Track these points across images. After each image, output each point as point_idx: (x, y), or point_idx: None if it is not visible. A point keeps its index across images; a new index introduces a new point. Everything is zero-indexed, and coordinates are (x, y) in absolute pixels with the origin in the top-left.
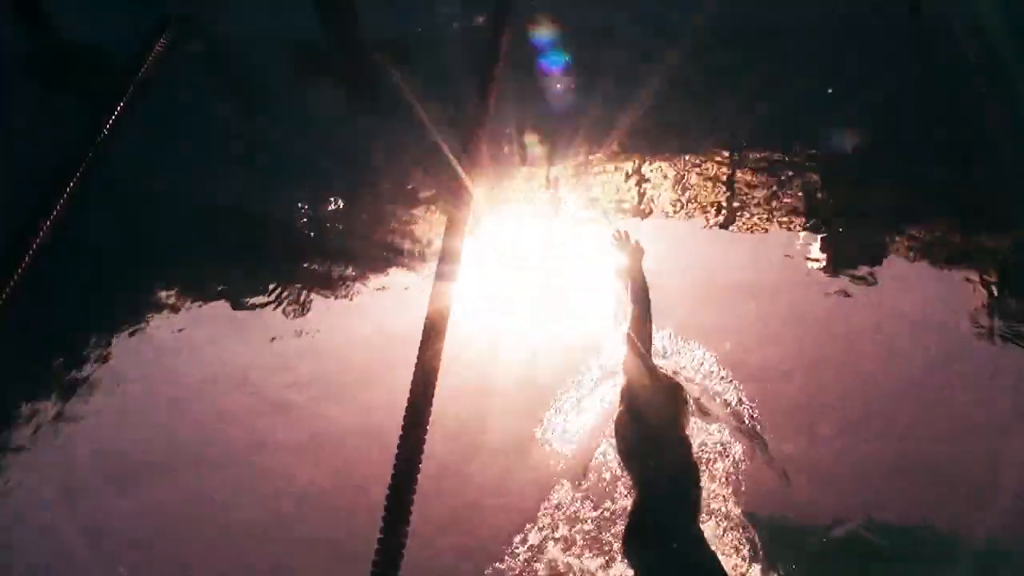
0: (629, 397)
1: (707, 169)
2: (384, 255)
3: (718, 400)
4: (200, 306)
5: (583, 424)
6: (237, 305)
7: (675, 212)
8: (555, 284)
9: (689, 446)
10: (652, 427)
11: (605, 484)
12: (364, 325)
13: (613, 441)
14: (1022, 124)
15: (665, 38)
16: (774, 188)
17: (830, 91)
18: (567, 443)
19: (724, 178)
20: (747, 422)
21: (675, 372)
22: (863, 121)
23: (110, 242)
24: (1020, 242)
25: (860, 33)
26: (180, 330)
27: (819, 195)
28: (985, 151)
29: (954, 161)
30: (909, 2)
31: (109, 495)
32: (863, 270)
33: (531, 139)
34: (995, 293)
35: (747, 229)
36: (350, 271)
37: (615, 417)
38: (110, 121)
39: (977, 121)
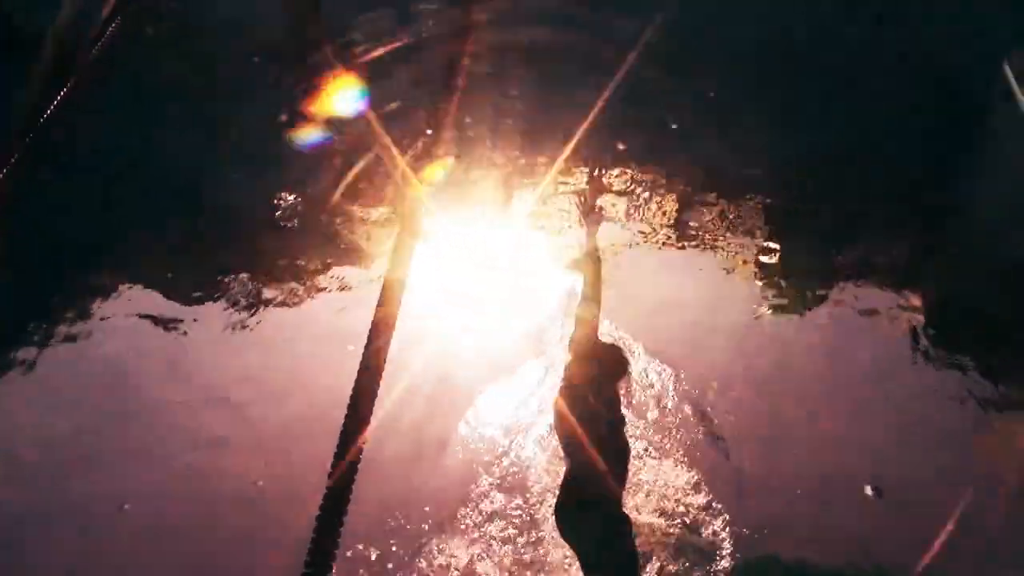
0: (572, 369)
1: (662, 182)
2: (335, 253)
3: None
4: (141, 293)
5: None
6: (180, 295)
7: (628, 220)
8: (504, 283)
9: (624, 423)
10: (592, 398)
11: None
12: (309, 322)
13: (550, 423)
14: (974, 153)
15: (624, 52)
16: (726, 204)
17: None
18: (504, 433)
19: (678, 192)
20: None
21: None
22: (816, 143)
23: (49, 224)
24: (959, 264)
25: (822, 56)
26: (113, 316)
27: (770, 213)
28: (934, 177)
29: (903, 185)
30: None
31: (31, 486)
32: (804, 286)
33: (489, 144)
34: (928, 315)
35: (698, 243)
36: (298, 268)
37: (556, 393)
38: (56, 101)
39: (929, 148)
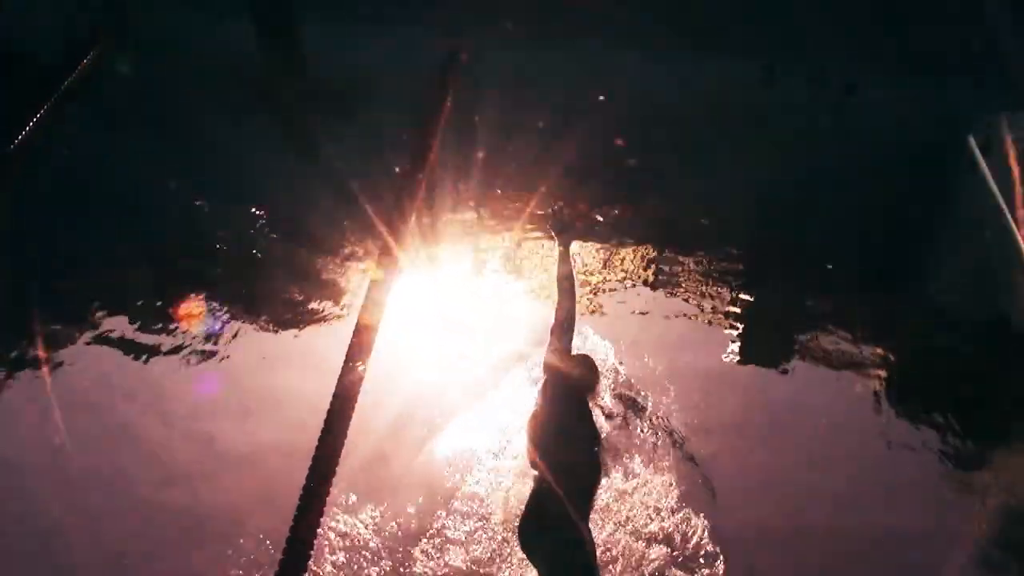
0: (546, 386)
1: (635, 247)
2: (310, 285)
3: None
4: (111, 320)
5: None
6: (152, 323)
7: (603, 281)
8: (481, 312)
9: (596, 440)
10: (563, 414)
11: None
12: (282, 354)
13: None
14: (942, 217)
15: (600, 119)
16: (697, 268)
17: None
18: (477, 454)
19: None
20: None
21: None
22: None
23: (21, 246)
24: (930, 321)
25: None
26: (82, 343)
27: (742, 265)
28: (904, 239)
29: (875, 247)
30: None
31: None
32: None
33: (466, 198)
34: (876, 389)
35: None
36: (273, 298)
37: (530, 411)
38: (29, 126)
39: (899, 213)
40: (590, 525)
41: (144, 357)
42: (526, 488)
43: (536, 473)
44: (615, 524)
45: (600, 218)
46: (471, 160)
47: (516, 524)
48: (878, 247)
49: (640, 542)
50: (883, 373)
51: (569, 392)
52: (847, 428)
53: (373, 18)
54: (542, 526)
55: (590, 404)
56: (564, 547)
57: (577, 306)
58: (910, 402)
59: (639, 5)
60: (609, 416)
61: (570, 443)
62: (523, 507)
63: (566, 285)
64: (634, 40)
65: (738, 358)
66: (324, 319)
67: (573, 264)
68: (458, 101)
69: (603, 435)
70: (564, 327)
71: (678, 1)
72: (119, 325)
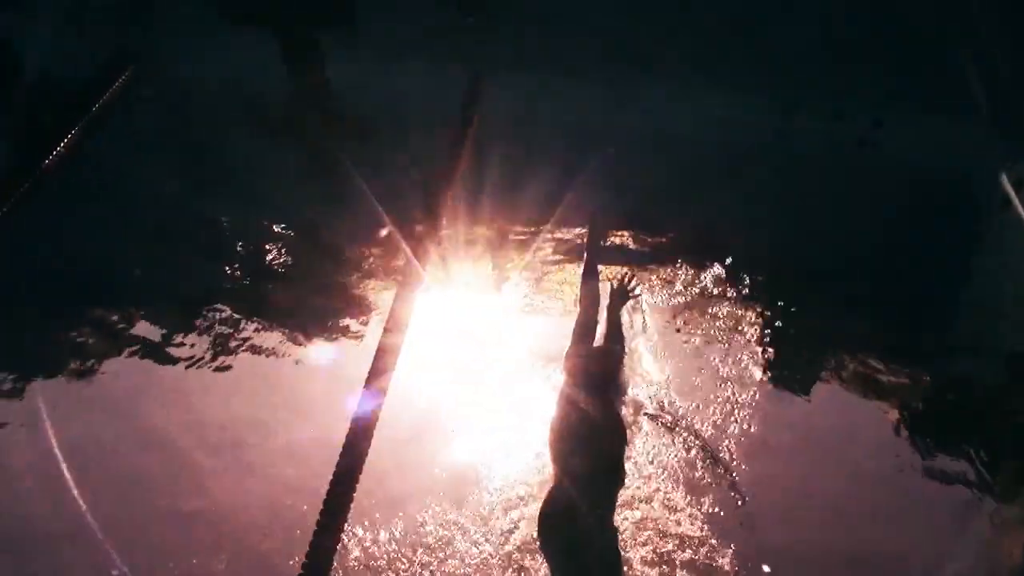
0: (568, 383)
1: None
2: (335, 301)
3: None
4: (136, 333)
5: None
6: (178, 336)
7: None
8: (504, 322)
9: (618, 433)
10: (585, 405)
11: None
12: (306, 371)
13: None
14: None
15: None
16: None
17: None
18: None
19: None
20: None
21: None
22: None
23: (51, 263)
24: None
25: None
26: (108, 358)
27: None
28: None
29: (908, 279)
30: (857, 136)
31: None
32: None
33: (488, 221)
34: (904, 415)
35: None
36: (298, 316)
37: (554, 406)
38: (53, 154)
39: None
40: (612, 533)
41: (169, 367)
42: (547, 499)
43: (557, 483)
44: (639, 546)
45: (628, 241)
46: (495, 180)
47: (537, 542)
48: (909, 278)
49: (664, 566)
50: (911, 401)
51: (589, 392)
52: (874, 455)
53: (399, 49)
54: (563, 537)
55: (612, 406)
56: (582, 540)
57: (598, 316)
58: (941, 431)
59: (656, 40)
60: (636, 436)
61: (591, 448)
62: (543, 519)
63: (590, 294)
64: (653, 74)
65: (763, 382)
66: (348, 333)
67: (599, 276)
68: (482, 124)
69: (626, 437)
70: (585, 332)
71: (698, 36)
72: (144, 334)
